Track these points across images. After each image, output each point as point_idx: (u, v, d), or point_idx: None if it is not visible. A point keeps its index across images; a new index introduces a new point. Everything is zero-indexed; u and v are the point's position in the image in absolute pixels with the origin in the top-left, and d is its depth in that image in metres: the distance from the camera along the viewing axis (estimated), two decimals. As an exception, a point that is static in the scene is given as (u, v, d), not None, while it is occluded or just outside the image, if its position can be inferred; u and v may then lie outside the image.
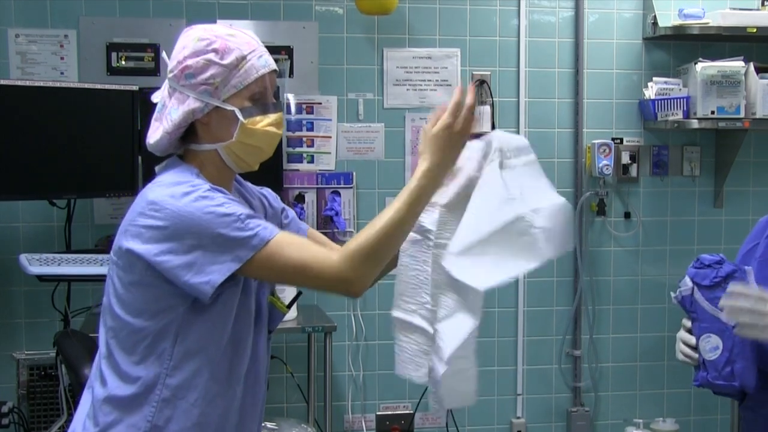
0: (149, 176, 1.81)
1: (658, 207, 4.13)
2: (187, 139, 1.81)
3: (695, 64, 3.89)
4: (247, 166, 1.83)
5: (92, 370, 1.82)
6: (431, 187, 1.75)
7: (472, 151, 1.82)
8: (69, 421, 1.95)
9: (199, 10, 3.73)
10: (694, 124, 3.88)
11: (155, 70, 3.70)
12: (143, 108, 3.37)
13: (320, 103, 3.87)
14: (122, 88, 3.46)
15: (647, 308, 4.14)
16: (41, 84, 3.34)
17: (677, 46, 4.08)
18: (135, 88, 3.46)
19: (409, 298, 1.82)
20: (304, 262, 1.68)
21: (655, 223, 4.14)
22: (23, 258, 3.14)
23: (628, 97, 4.08)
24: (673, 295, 1.96)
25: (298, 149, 3.86)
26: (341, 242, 1.73)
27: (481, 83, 3.93)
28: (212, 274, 1.65)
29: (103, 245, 3.48)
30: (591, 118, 4.06)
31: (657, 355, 4.12)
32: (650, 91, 3.97)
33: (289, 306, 1.95)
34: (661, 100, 3.92)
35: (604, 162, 3.97)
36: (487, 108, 3.93)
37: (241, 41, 1.77)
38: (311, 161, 3.87)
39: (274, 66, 1.81)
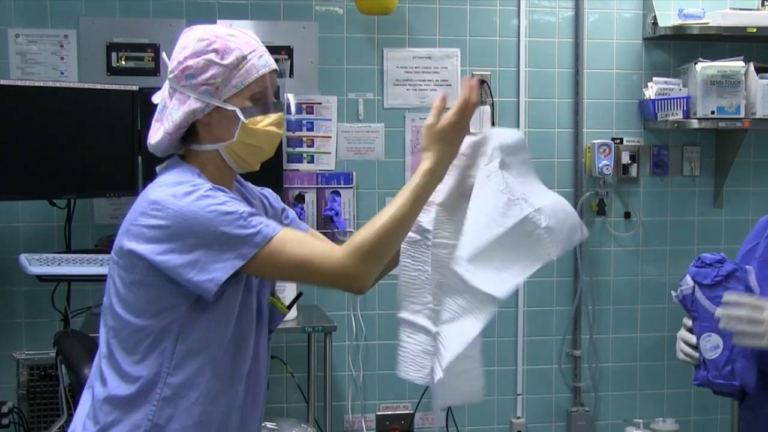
0: (149, 176, 1.81)
1: (658, 207, 4.13)
2: (188, 139, 1.81)
3: (695, 64, 3.89)
4: (248, 166, 1.83)
5: (92, 369, 1.82)
6: (434, 183, 1.76)
7: (463, 148, 1.82)
8: (69, 421, 1.95)
9: (199, 10, 3.73)
10: (694, 124, 3.88)
11: (155, 70, 3.70)
12: (143, 108, 3.37)
13: (320, 103, 3.87)
14: (122, 88, 3.46)
15: (647, 308, 4.14)
16: (41, 84, 3.34)
17: (677, 46, 4.08)
18: (135, 88, 3.46)
19: (414, 299, 1.82)
20: (308, 257, 1.68)
21: (655, 223, 4.14)
22: (23, 258, 3.14)
23: (628, 97, 4.08)
24: (674, 293, 1.96)
25: (298, 149, 3.86)
26: (341, 242, 1.73)
27: (481, 83, 3.93)
28: (216, 271, 1.66)
29: (103, 245, 3.48)
30: (591, 118, 4.06)
31: (657, 355, 4.12)
32: (650, 91, 3.97)
33: (290, 307, 1.96)
34: (661, 100, 3.92)
35: (604, 162, 3.97)
36: (487, 108, 3.93)
37: (241, 41, 1.77)
38: (311, 161, 3.87)
39: (274, 66, 1.81)
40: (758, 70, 3.87)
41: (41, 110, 3.29)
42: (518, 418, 4.09)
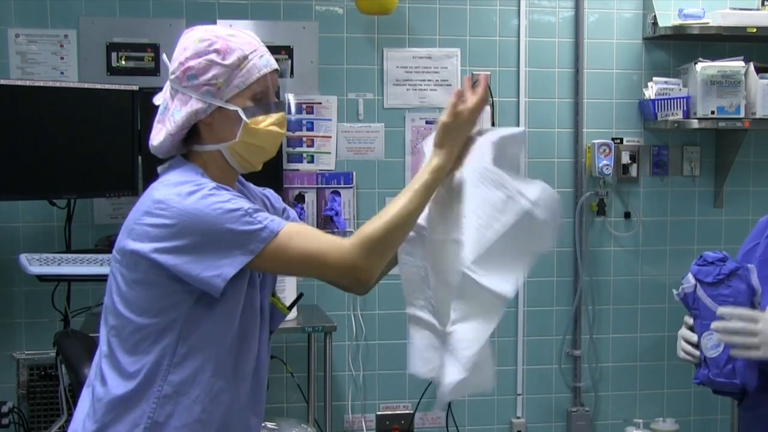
0: (149, 176, 1.82)
1: (658, 207, 4.13)
2: (190, 140, 1.81)
3: (695, 64, 3.89)
4: (250, 166, 1.83)
5: (92, 369, 1.82)
6: (442, 180, 1.79)
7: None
8: (69, 421, 1.94)
9: (199, 10, 3.73)
10: (694, 124, 3.88)
11: (155, 70, 3.70)
12: (143, 108, 3.37)
13: (320, 103, 3.87)
14: (122, 88, 3.46)
15: (647, 308, 4.13)
16: (41, 84, 3.33)
17: (677, 46, 4.08)
18: (135, 88, 3.46)
19: (418, 294, 1.84)
20: (315, 250, 1.70)
21: (655, 223, 4.14)
22: (23, 258, 3.14)
23: (628, 97, 4.08)
24: (675, 292, 1.96)
25: (298, 149, 3.86)
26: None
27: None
28: (223, 267, 1.66)
29: (103, 245, 3.48)
30: (591, 118, 4.06)
31: (657, 355, 4.12)
32: (650, 91, 3.97)
33: (290, 307, 1.96)
34: (661, 100, 3.92)
35: (604, 162, 3.97)
36: (487, 108, 3.92)
37: (242, 41, 1.77)
38: (311, 161, 3.87)
39: (275, 65, 1.81)
40: (758, 70, 3.87)
41: (41, 110, 3.29)
42: (518, 418, 4.09)
